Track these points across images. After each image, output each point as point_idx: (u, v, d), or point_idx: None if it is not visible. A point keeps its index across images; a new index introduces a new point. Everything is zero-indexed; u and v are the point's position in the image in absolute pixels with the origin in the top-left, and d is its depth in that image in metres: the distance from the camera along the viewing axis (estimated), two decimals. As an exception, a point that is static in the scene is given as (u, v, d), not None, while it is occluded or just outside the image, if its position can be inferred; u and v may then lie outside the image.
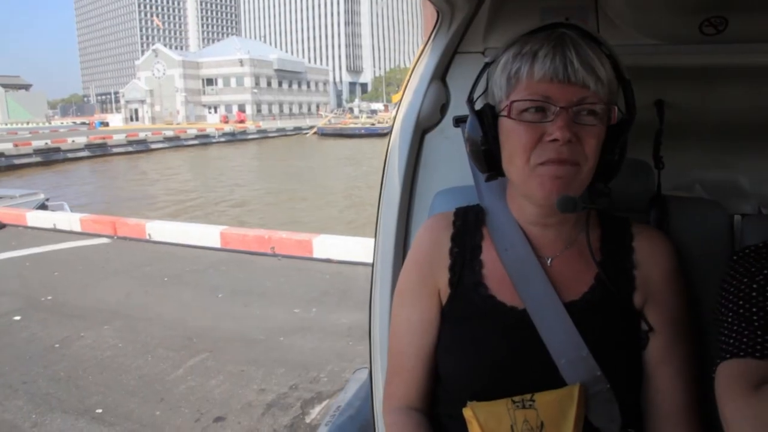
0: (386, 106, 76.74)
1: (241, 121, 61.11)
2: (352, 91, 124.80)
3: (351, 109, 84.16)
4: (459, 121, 1.15)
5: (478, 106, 0.94)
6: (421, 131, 1.37)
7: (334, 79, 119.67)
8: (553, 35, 0.85)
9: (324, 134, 51.51)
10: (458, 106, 1.36)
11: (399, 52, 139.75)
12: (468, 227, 0.99)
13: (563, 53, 0.83)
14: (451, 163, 1.35)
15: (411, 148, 1.34)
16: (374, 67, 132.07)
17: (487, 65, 0.93)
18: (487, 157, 0.91)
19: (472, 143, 0.92)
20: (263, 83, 73.24)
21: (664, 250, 0.95)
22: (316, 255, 6.52)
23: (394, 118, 1.40)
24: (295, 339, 4.44)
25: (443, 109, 1.38)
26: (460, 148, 1.14)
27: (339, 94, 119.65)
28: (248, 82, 71.07)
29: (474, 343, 0.91)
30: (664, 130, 1.21)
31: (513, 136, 0.87)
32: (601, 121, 0.84)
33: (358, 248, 6.21)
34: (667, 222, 1.09)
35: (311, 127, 56.10)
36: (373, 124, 54.91)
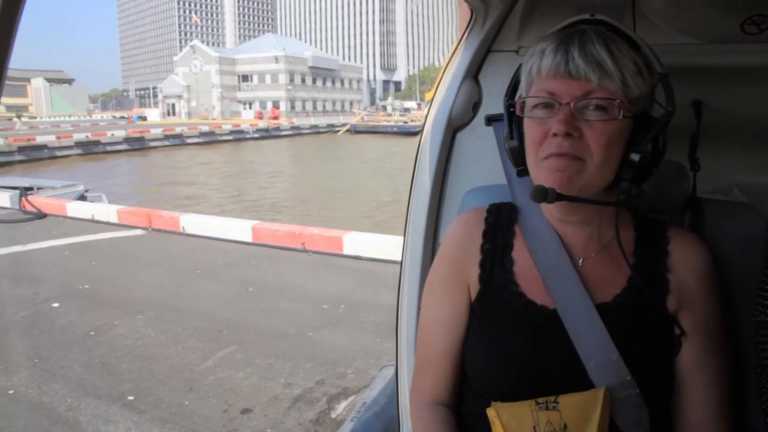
0: (419, 104, 76.56)
1: (275, 118, 61.78)
2: (385, 89, 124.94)
3: (384, 107, 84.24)
4: (491, 120, 1.13)
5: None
6: (453, 129, 1.36)
7: (368, 77, 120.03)
8: (565, 32, 0.86)
9: (357, 131, 51.70)
10: (490, 105, 1.35)
11: (433, 50, 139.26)
12: (500, 224, 0.99)
13: (566, 49, 0.83)
14: (482, 162, 1.34)
15: (442, 147, 1.34)
16: (408, 65, 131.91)
17: (520, 67, 0.94)
18: (513, 153, 0.93)
19: (507, 140, 0.94)
20: (297, 80, 73.94)
21: (699, 254, 0.92)
22: (346, 252, 6.54)
23: (426, 115, 1.39)
24: (324, 334, 4.47)
25: (475, 107, 1.36)
26: (492, 146, 1.12)
27: (372, 92, 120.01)
28: (283, 78, 71.85)
29: (502, 341, 0.91)
30: (701, 131, 1.17)
31: (526, 132, 0.89)
32: (612, 116, 0.82)
33: (389, 246, 6.22)
34: (701, 225, 1.06)
35: (344, 125, 56.33)
36: (405, 122, 54.85)
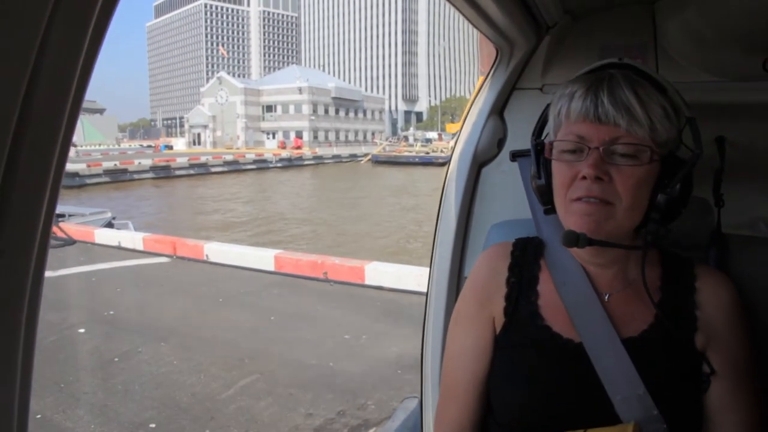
0: (440, 135, 76.94)
1: (298, 147, 62.61)
2: (407, 120, 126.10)
3: (406, 138, 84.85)
4: (516, 156, 1.16)
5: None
6: (478, 164, 1.39)
7: (390, 107, 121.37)
8: (594, 76, 0.88)
9: (378, 161, 52.02)
10: (515, 141, 1.38)
11: (455, 81, 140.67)
12: (526, 258, 1.00)
13: (595, 93, 0.85)
14: (506, 197, 1.36)
15: (468, 181, 1.36)
16: (429, 96, 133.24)
17: (548, 107, 0.96)
18: (540, 192, 0.94)
19: (533, 178, 0.96)
20: (321, 110, 75.07)
21: (726, 292, 0.92)
22: (368, 282, 6.55)
23: (452, 150, 1.42)
24: (345, 365, 4.46)
25: (500, 143, 1.39)
26: (516, 182, 1.15)
27: (394, 123, 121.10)
28: (306, 109, 73.05)
29: (527, 374, 0.91)
30: (725, 167, 1.18)
31: (555, 173, 0.90)
32: (640, 161, 0.84)
33: (410, 276, 6.21)
34: (727, 261, 1.06)
35: (366, 155, 56.78)
36: (427, 153, 55.02)
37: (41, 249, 0.31)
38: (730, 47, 1.17)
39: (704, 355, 0.89)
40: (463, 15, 1.09)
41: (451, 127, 69.87)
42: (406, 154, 55.84)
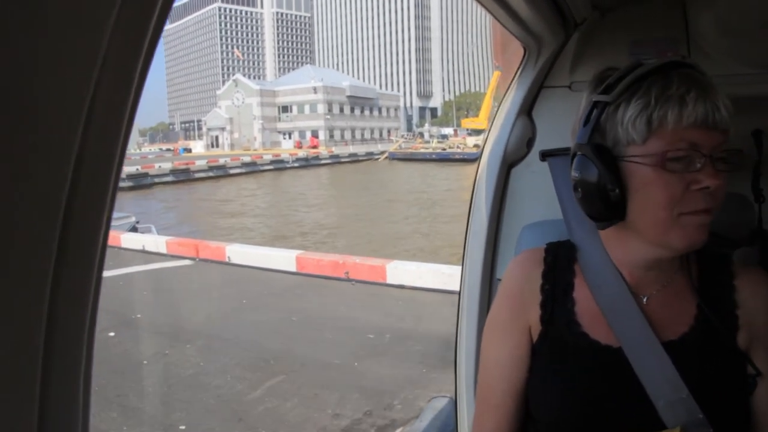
0: (456, 131, 76.59)
1: (314, 147, 62.89)
2: (422, 116, 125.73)
3: (421, 134, 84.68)
4: (546, 156, 1.14)
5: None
6: (508, 165, 1.38)
7: (405, 104, 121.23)
8: (686, 76, 0.82)
9: (395, 159, 52.04)
10: (544, 140, 1.36)
11: (469, 76, 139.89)
12: (559, 263, 0.98)
13: (713, 98, 0.80)
14: (537, 197, 1.35)
15: (498, 182, 1.36)
16: (444, 91, 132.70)
17: (604, 104, 0.86)
18: (612, 204, 0.84)
19: (588, 186, 0.86)
20: (336, 109, 75.35)
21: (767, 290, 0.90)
22: (389, 281, 6.56)
23: (481, 152, 1.42)
24: (369, 364, 4.47)
25: (529, 143, 1.38)
26: (546, 182, 1.13)
27: (409, 119, 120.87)
28: (321, 108, 73.35)
29: (567, 381, 0.90)
30: (763, 161, 1.16)
31: (655, 186, 0.82)
32: (733, 166, 0.82)
33: (431, 275, 6.20)
34: None
35: (382, 152, 56.82)
36: (443, 149, 54.87)
37: (102, 252, 0.31)
38: (765, 38, 1.14)
39: (747, 356, 0.87)
40: (493, 15, 1.08)
41: (467, 123, 69.49)
42: (422, 150, 55.77)
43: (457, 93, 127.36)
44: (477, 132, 61.73)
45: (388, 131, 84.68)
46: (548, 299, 0.95)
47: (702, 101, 0.79)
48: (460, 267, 1.40)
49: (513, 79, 1.38)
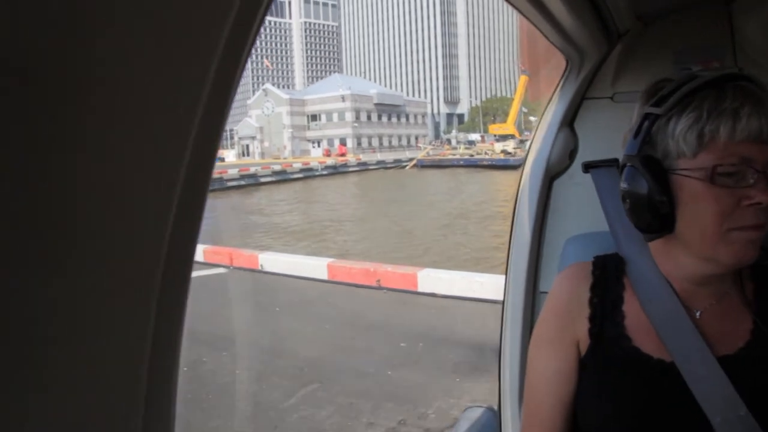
0: (483, 137, 76.11)
1: (342, 155, 63.27)
2: (449, 122, 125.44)
3: (449, 141, 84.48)
4: (589, 167, 1.14)
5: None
6: (550, 177, 1.38)
7: (432, 110, 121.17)
8: (741, 89, 0.81)
9: (423, 166, 52.01)
10: (586, 152, 1.36)
11: (495, 80, 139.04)
12: (608, 277, 0.97)
13: (766, 112, 0.79)
14: (580, 209, 1.34)
15: (540, 194, 1.36)
16: (470, 97, 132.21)
17: (655, 116, 0.86)
18: (661, 217, 0.84)
19: (636, 197, 0.86)
20: (363, 117, 75.80)
21: None
22: (420, 289, 6.55)
23: (523, 164, 1.42)
24: (403, 373, 4.46)
25: (572, 155, 1.38)
26: (589, 193, 1.13)
27: (437, 126, 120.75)
28: (349, 116, 73.88)
29: (617, 397, 0.89)
30: None
31: (704, 200, 0.82)
32: None
33: (463, 283, 6.17)
34: None
35: (410, 159, 56.83)
36: (471, 155, 54.70)
37: (193, 258, 0.33)
38: None
39: None
40: (537, 28, 1.09)
41: (494, 128, 69.02)
42: (450, 157, 55.66)
43: (484, 98, 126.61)
44: (504, 137, 61.26)
45: (416, 138, 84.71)
46: (597, 313, 0.95)
47: (756, 115, 0.78)
48: (504, 278, 1.40)
49: (555, 91, 1.39)
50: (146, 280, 0.29)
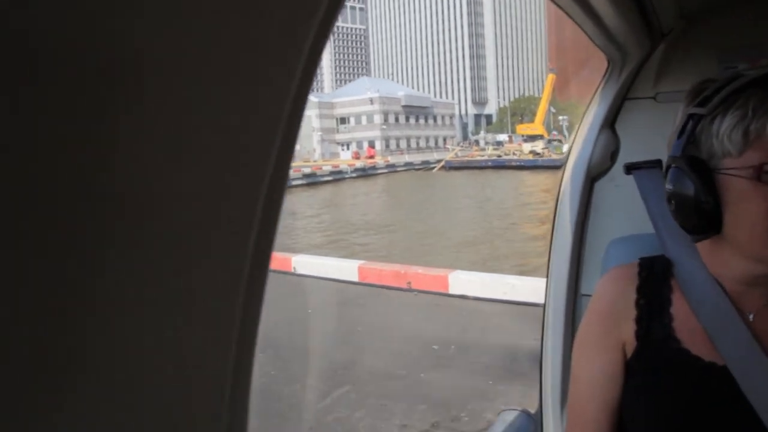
0: (510, 137, 75.40)
1: (371, 157, 63.44)
2: (477, 123, 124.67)
3: (477, 142, 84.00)
4: (631, 169, 1.13)
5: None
6: (591, 179, 1.37)
7: (460, 111, 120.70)
8: None
9: (451, 167, 51.78)
10: (628, 153, 1.35)
11: (523, 80, 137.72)
12: (654, 279, 0.96)
13: None
14: (622, 211, 1.33)
15: (582, 196, 1.35)
16: (498, 97, 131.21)
17: (699, 116, 0.86)
18: (707, 217, 0.84)
19: (681, 198, 0.86)
20: (391, 119, 75.92)
21: None
22: (451, 291, 6.53)
23: (564, 166, 1.41)
24: (435, 375, 4.46)
25: (613, 156, 1.37)
26: (631, 195, 1.12)
27: (464, 127, 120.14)
28: (377, 119, 74.09)
29: (667, 399, 0.88)
30: None
31: (751, 199, 0.81)
32: None
33: (495, 285, 6.13)
34: None
35: (438, 161, 56.62)
36: (499, 156, 54.28)
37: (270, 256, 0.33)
38: None
39: None
40: (582, 28, 1.08)
41: (522, 129, 68.25)
42: (478, 158, 55.30)
43: (512, 98, 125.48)
44: (532, 138, 60.56)
45: (444, 139, 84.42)
46: (644, 315, 0.93)
47: None
48: (545, 281, 1.39)
49: (595, 92, 1.38)
50: (235, 280, 0.30)
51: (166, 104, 0.24)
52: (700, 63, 1.29)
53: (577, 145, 1.37)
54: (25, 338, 0.21)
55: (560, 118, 60.64)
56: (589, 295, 1.33)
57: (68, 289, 0.23)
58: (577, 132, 1.40)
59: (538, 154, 50.92)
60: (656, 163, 1.03)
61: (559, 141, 57.60)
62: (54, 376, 0.23)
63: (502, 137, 79.93)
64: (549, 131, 62.98)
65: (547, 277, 1.38)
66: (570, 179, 1.36)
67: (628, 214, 1.28)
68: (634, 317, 0.94)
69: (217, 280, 0.29)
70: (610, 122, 1.36)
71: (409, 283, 6.83)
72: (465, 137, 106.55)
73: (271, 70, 0.28)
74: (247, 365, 0.33)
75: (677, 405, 0.87)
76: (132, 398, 0.26)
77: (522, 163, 45.98)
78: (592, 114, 1.36)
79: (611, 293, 0.99)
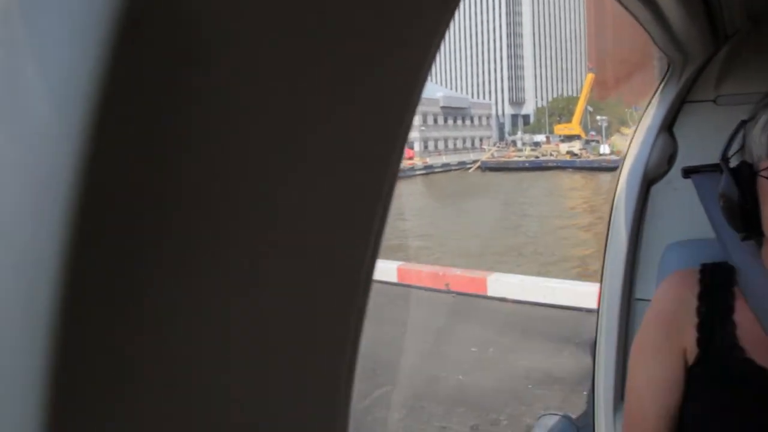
0: (548, 138, 74.22)
1: (410, 158, 63.47)
2: (514, 124, 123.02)
3: (514, 142, 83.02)
4: (689, 172, 1.10)
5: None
6: (648, 183, 1.35)
7: (497, 112, 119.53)
8: None
9: (487, 168, 51.31)
10: (686, 156, 1.32)
11: (561, 80, 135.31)
12: (716, 285, 0.94)
13: None
14: (680, 215, 1.30)
15: (638, 200, 1.33)
16: (536, 97, 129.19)
17: (743, 123, 0.90)
18: (744, 218, 0.87)
19: (726, 200, 0.89)
20: (430, 121, 75.80)
21: None
22: (490, 293, 6.48)
23: (620, 169, 1.40)
24: (474, 378, 4.44)
25: (671, 159, 1.34)
26: (690, 199, 1.10)
27: (501, 127, 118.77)
28: (417, 120, 74.03)
29: (732, 410, 0.86)
30: None
31: None
32: None
33: (535, 288, 6.06)
34: None
35: (474, 161, 56.18)
36: (537, 157, 53.51)
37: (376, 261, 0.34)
38: None
39: None
40: (645, 29, 1.06)
41: (559, 129, 67.09)
42: (515, 159, 54.63)
43: (550, 98, 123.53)
44: (569, 138, 59.51)
45: (481, 140, 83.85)
46: (705, 322, 0.92)
47: None
48: (599, 286, 1.38)
49: (654, 95, 1.35)
50: (354, 284, 0.31)
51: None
52: (764, 65, 1.26)
53: (634, 149, 1.35)
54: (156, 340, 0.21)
55: (598, 117, 59.40)
56: (644, 300, 1.31)
57: (183, 290, 0.21)
58: (633, 135, 1.38)
59: (575, 154, 50.06)
60: (716, 167, 1.02)
61: (597, 141, 56.50)
62: (161, 375, 0.23)
63: (540, 138, 78.75)
64: (587, 131, 61.79)
65: (601, 282, 1.36)
66: (626, 182, 1.34)
67: (685, 218, 1.25)
68: (695, 324, 0.93)
69: (339, 280, 0.30)
70: (668, 125, 1.34)
71: (448, 284, 6.81)
72: (501, 137, 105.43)
73: (397, 62, 0.28)
74: (354, 367, 0.34)
75: (742, 414, 0.86)
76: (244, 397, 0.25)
77: (558, 164, 45.29)
78: (650, 116, 1.34)
79: (672, 299, 0.98)
